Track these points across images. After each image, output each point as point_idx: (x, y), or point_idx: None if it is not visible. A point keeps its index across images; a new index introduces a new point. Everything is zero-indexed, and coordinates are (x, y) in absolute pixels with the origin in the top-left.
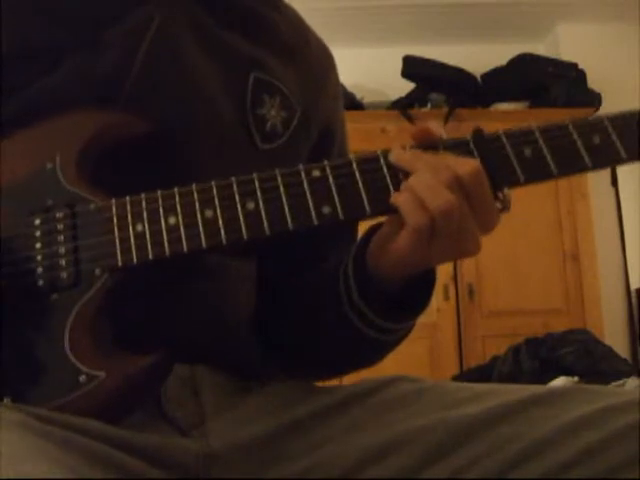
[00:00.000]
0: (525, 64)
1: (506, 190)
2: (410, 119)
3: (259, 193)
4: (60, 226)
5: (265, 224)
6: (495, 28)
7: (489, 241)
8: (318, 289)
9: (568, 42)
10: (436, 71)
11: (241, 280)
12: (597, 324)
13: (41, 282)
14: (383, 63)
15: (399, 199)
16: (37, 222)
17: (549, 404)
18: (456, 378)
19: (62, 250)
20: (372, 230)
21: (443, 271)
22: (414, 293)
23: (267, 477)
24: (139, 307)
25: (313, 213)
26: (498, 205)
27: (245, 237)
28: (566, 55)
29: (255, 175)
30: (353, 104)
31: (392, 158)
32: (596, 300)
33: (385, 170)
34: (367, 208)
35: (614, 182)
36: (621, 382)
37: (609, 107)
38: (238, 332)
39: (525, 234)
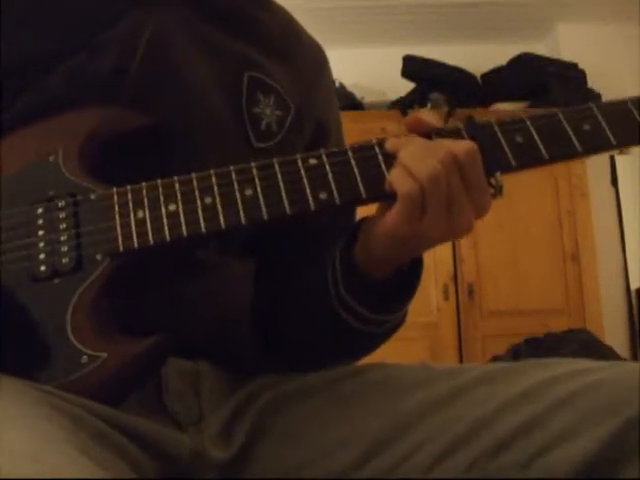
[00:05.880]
0: (525, 64)
1: (499, 176)
2: None
3: (257, 180)
4: (62, 214)
5: (263, 209)
6: (495, 28)
7: (489, 241)
8: (309, 283)
9: (568, 42)
10: (436, 71)
11: (240, 279)
12: (597, 324)
13: (43, 267)
14: (383, 63)
15: (391, 174)
16: (40, 211)
17: (496, 381)
18: None
19: (64, 237)
20: (361, 221)
21: (443, 271)
22: (401, 283)
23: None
24: (140, 294)
25: (310, 198)
26: (491, 190)
27: (243, 221)
28: (566, 55)
29: (253, 164)
30: (353, 104)
31: (388, 145)
32: (596, 300)
33: (380, 157)
34: (362, 192)
35: (614, 182)
36: None
37: None
38: (237, 330)
39: (525, 234)
